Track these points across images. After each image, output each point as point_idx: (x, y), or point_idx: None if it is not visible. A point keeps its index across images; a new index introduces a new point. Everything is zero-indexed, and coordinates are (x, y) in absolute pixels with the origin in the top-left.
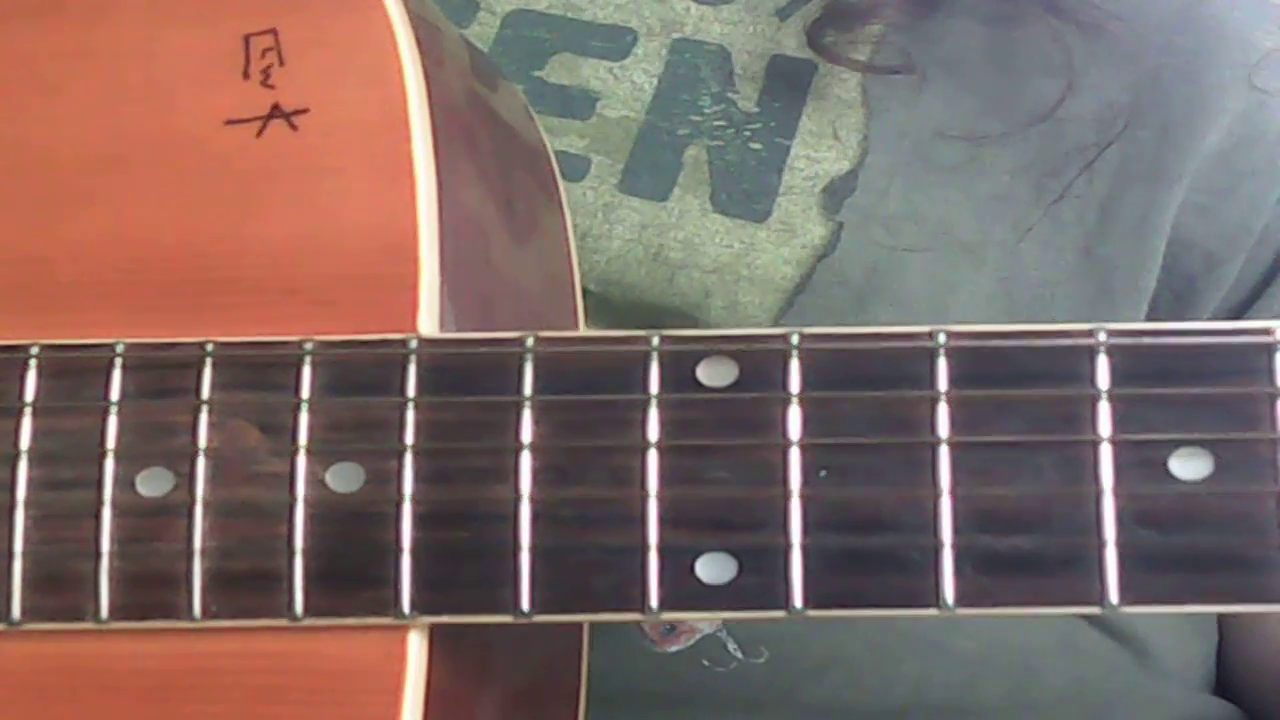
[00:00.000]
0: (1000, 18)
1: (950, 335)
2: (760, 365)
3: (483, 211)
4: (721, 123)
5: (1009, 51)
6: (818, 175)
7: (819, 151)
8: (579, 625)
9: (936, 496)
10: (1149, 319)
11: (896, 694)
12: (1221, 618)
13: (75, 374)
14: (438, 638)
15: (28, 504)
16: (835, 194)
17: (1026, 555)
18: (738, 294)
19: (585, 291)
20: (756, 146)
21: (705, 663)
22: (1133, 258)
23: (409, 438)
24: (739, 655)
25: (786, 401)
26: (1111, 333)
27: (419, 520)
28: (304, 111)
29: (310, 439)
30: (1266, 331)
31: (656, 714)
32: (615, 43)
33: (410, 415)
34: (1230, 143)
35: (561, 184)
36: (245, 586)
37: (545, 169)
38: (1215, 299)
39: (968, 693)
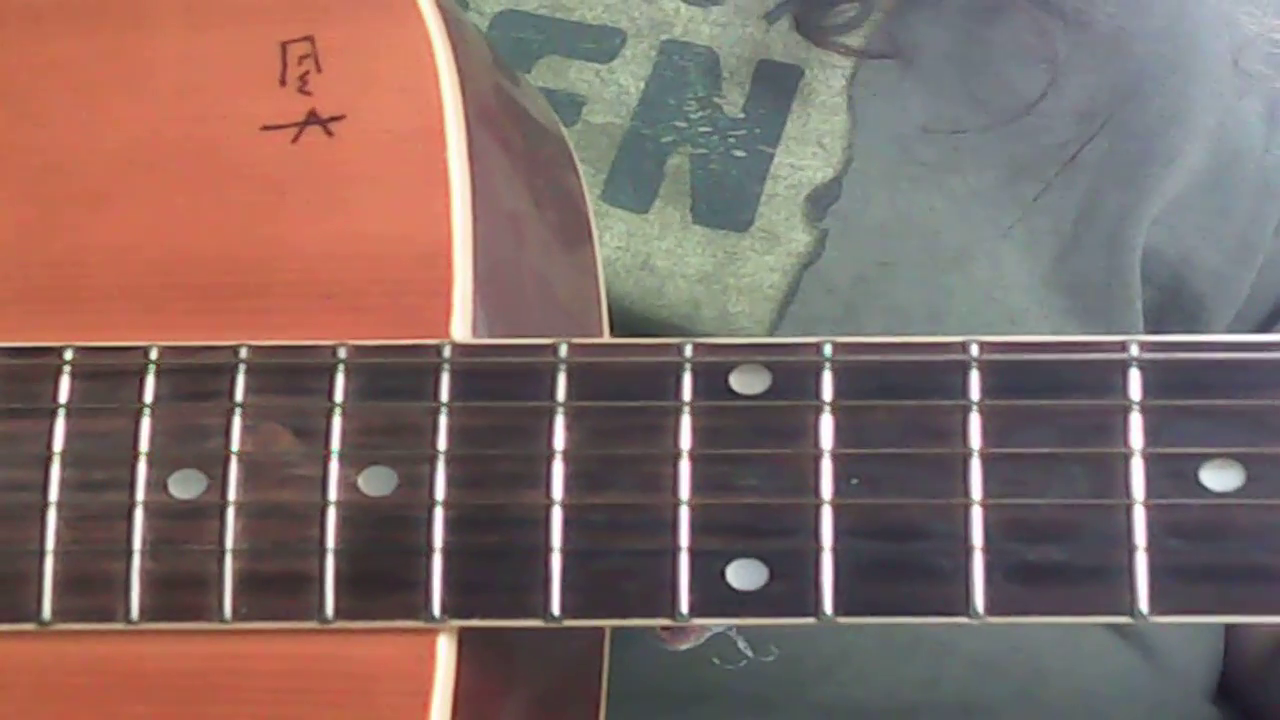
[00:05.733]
0: (984, 9)
1: (983, 347)
2: (793, 374)
3: (515, 218)
4: (707, 129)
5: (992, 44)
6: (801, 183)
7: (802, 159)
8: (602, 628)
9: (968, 505)
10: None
11: (906, 693)
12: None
13: (109, 376)
14: (465, 640)
15: (60, 505)
16: (819, 202)
17: (1057, 564)
18: (727, 304)
19: None
20: (740, 154)
21: (715, 660)
22: (1104, 270)
23: (441, 442)
24: (749, 653)
25: (819, 410)
26: (1144, 345)
27: (450, 524)
28: (340, 118)
29: (343, 443)
30: None
31: (666, 711)
32: (604, 44)
33: (443, 420)
34: (1215, 160)
35: (584, 176)
36: (276, 588)
37: (569, 160)
38: (1229, 315)
39: (976, 692)
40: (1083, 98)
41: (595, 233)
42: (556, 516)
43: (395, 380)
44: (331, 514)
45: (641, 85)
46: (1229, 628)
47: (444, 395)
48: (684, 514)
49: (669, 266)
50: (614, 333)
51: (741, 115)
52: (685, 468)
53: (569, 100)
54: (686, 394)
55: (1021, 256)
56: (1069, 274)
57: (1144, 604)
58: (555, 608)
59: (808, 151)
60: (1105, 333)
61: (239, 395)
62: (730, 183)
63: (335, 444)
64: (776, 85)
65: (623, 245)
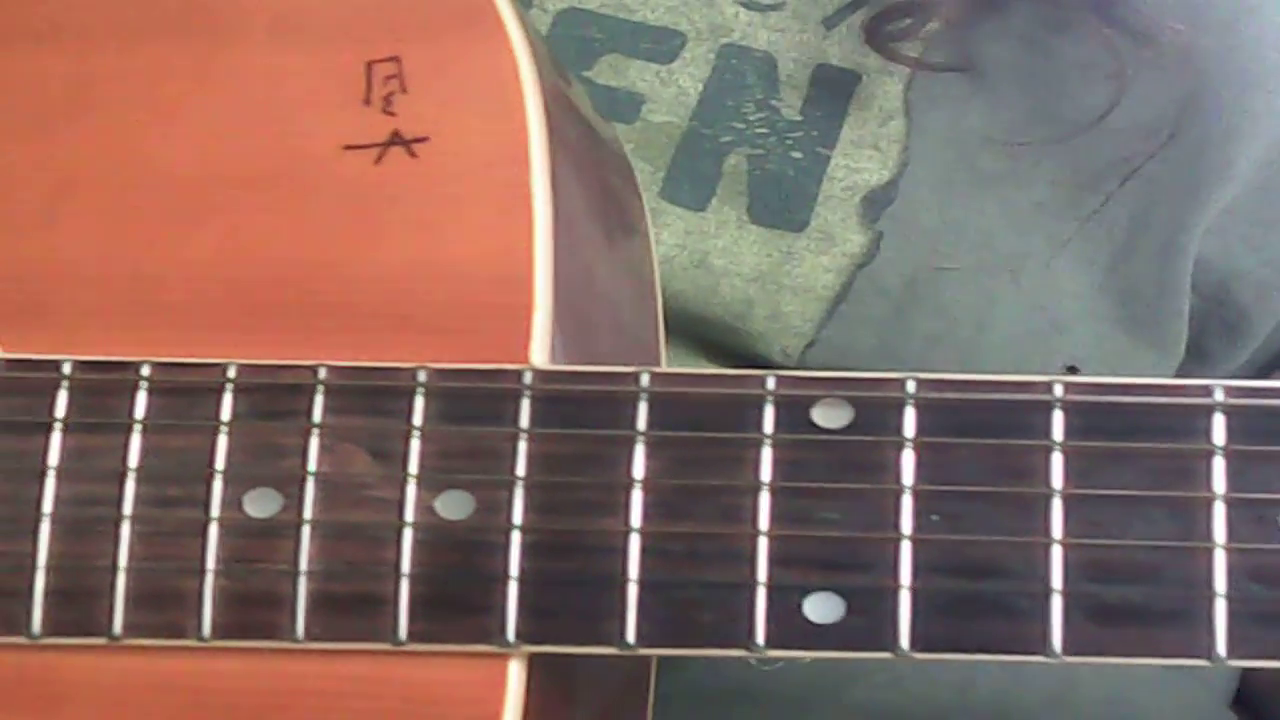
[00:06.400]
0: (1052, 23)
1: (1067, 388)
2: (876, 409)
3: (590, 241)
4: (764, 130)
5: (1057, 58)
6: (857, 185)
7: (859, 161)
8: None
9: (1048, 545)
10: (1199, 352)
11: (939, 697)
12: None
13: (186, 393)
14: (533, 663)
15: (134, 520)
16: (875, 204)
17: (1136, 606)
18: (780, 304)
19: None
20: (797, 155)
21: (752, 662)
22: (1156, 279)
23: (520, 468)
24: None
25: (901, 446)
26: (1228, 390)
27: (527, 550)
28: (424, 140)
29: (421, 466)
30: None
31: (702, 711)
32: (664, 45)
33: (523, 446)
34: (1264, 172)
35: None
36: (349, 609)
37: (625, 165)
38: (1269, 326)
39: (1009, 697)
40: (1148, 113)
41: (651, 231)
42: (634, 545)
43: (475, 405)
44: (407, 536)
45: (700, 87)
46: None
47: (524, 421)
48: (762, 546)
49: (724, 265)
50: (667, 330)
51: (799, 118)
52: (765, 500)
53: (629, 98)
54: (768, 426)
55: (1076, 267)
56: (1121, 282)
57: (1222, 648)
58: (630, 636)
59: (864, 154)
60: (1151, 342)
61: (317, 415)
62: (787, 183)
63: (413, 467)
64: (834, 89)
65: (680, 243)
